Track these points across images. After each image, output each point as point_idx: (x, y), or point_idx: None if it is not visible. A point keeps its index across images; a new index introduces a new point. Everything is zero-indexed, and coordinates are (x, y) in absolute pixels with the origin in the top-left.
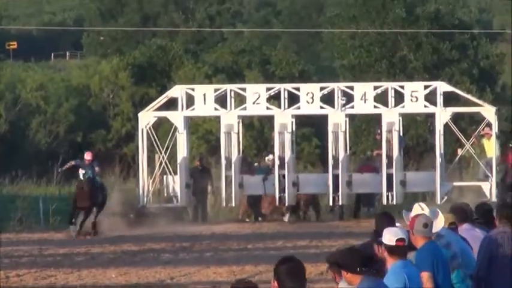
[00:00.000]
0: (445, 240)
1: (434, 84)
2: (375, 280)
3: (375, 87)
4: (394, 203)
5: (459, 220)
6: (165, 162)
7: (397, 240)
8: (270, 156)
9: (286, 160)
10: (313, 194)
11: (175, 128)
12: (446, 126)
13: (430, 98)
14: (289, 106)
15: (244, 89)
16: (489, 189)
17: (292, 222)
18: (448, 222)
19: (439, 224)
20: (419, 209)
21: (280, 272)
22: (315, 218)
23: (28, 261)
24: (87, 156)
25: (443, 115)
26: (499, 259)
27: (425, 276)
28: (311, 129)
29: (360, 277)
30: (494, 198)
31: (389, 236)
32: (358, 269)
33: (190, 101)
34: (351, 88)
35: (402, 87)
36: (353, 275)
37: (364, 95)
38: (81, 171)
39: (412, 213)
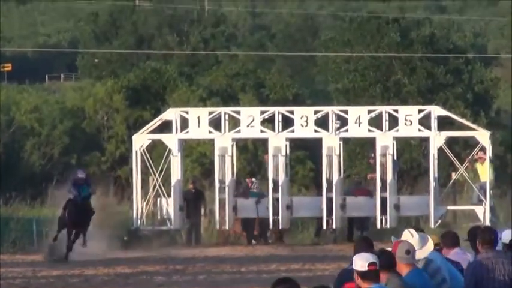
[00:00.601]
0: (436, 265)
1: (428, 108)
2: None
3: (369, 111)
4: (388, 227)
5: (449, 245)
6: (159, 185)
7: (369, 264)
8: (253, 179)
9: (280, 183)
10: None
11: (170, 151)
12: (440, 150)
13: (424, 122)
14: (283, 129)
15: (238, 112)
16: (483, 213)
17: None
18: (434, 243)
19: (429, 249)
20: (408, 234)
21: None
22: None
23: (22, 282)
24: (80, 174)
25: (437, 139)
26: (486, 283)
27: None
28: (305, 153)
29: None
30: (488, 222)
31: (361, 262)
32: None
33: (184, 123)
34: (345, 112)
35: (396, 111)
36: None
37: (358, 119)
38: (74, 192)
39: (402, 238)
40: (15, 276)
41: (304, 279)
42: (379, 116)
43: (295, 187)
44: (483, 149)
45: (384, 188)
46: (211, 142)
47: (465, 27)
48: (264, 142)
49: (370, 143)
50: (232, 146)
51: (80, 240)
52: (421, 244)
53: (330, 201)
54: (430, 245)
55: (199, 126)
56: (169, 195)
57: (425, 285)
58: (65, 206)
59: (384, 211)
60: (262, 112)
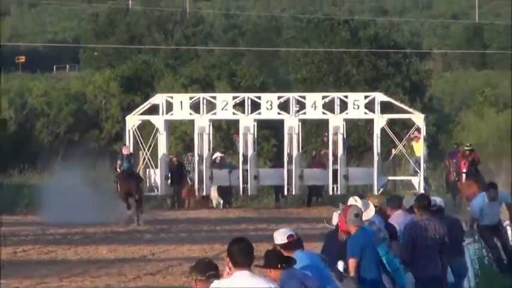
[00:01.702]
0: (376, 226)
1: (373, 94)
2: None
3: (323, 97)
4: (339, 194)
5: (395, 206)
6: (148, 158)
7: (288, 237)
8: (217, 154)
9: (249, 157)
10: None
11: (157, 130)
12: (382, 130)
13: (369, 106)
14: (252, 112)
15: (214, 97)
16: (418, 182)
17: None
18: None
19: (370, 212)
20: (353, 200)
21: (232, 250)
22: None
23: (32, 239)
24: (125, 150)
25: (380, 121)
26: (420, 240)
27: (351, 262)
28: (270, 131)
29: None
30: (422, 190)
31: (281, 236)
32: (278, 265)
33: (169, 107)
34: (303, 97)
35: (346, 97)
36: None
37: (314, 103)
38: (120, 164)
39: (348, 203)
40: (27, 234)
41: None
42: (331, 101)
43: (261, 160)
44: (418, 129)
45: (335, 161)
46: (191, 122)
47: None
48: (235, 123)
49: (324, 124)
50: (209, 125)
51: (136, 216)
52: (364, 208)
53: (290, 172)
54: (371, 209)
55: (181, 109)
56: (156, 167)
57: (369, 240)
58: (116, 179)
59: (335, 180)
60: (234, 97)
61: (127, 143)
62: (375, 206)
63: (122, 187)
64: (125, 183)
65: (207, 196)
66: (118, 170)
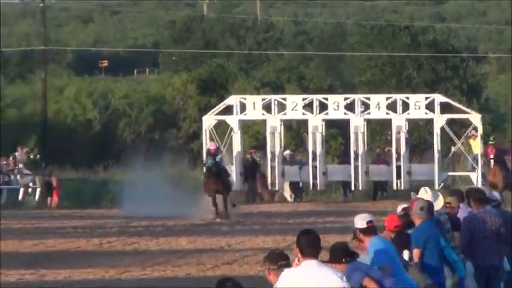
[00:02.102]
0: (444, 217)
1: (432, 96)
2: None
3: (387, 98)
4: (402, 188)
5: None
6: (224, 155)
7: (367, 222)
8: (287, 151)
9: (317, 154)
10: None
11: (231, 129)
12: (442, 129)
13: (430, 107)
14: (320, 112)
15: (285, 99)
16: (476, 178)
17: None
18: (445, 202)
19: (439, 203)
20: (424, 191)
21: (301, 241)
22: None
23: (117, 231)
24: (212, 146)
25: (440, 120)
26: (478, 233)
27: (415, 251)
28: (337, 130)
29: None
30: (479, 185)
31: (361, 221)
32: (343, 259)
33: (243, 107)
34: (368, 99)
35: (408, 98)
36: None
37: (378, 104)
38: (207, 161)
39: (419, 195)
40: (111, 226)
41: (337, 229)
42: (394, 102)
43: (329, 157)
44: (475, 128)
45: (398, 158)
46: (263, 122)
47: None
48: (305, 122)
49: (388, 123)
50: (280, 125)
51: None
52: (433, 199)
53: (356, 168)
54: (440, 200)
55: (254, 109)
56: (231, 164)
57: (433, 232)
58: (205, 175)
59: (398, 176)
60: (304, 99)
61: (203, 141)
62: (447, 203)
63: (209, 187)
64: (213, 182)
65: (279, 191)
66: (205, 167)
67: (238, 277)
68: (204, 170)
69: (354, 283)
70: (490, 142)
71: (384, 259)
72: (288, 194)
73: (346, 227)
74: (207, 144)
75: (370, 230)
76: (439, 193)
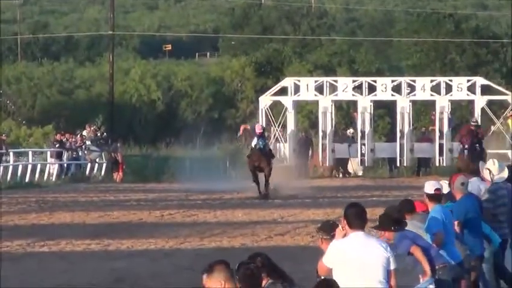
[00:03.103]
0: (502, 192)
1: (474, 79)
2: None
3: (431, 81)
4: (444, 165)
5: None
6: (278, 133)
7: (435, 189)
8: (351, 130)
9: (366, 133)
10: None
11: (286, 109)
12: (482, 109)
13: (471, 89)
14: (368, 93)
15: (336, 81)
16: None
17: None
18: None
19: (504, 175)
20: (491, 162)
21: (348, 214)
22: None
23: (177, 204)
24: (258, 129)
25: (480, 101)
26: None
27: (456, 223)
28: (384, 111)
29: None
30: None
31: (430, 187)
32: (392, 227)
33: (297, 89)
34: (414, 81)
35: (451, 80)
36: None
37: (423, 86)
38: (254, 141)
39: (487, 165)
40: (172, 199)
41: (384, 203)
42: (438, 85)
43: (377, 136)
44: None
45: (441, 137)
46: (316, 103)
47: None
48: (354, 103)
49: (432, 104)
50: (332, 105)
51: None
52: (499, 170)
53: (402, 146)
54: (505, 172)
55: (307, 90)
56: (285, 141)
57: (472, 206)
58: (248, 155)
59: (441, 153)
60: (354, 81)
61: (260, 120)
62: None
63: (252, 162)
64: (256, 159)
65: (329, 167)
66: (252, 146)
67: (290, 247)
68: (251, 149)
69: (402, 250)
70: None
71: (438, 227)
72: (355, 166)
73: (392, 200)
74: (256, 126)
75: (436, 197)
76: (505, 165)
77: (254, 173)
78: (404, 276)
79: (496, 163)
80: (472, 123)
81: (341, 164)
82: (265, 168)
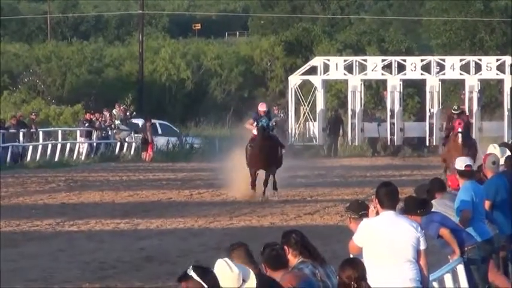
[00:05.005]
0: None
1: (503, 58)
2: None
3: (460, 60)
4: None
5: None
6: (308, 112)
7: (466, 166)
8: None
9: (395, 112)
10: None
11: (315, 88)
12: (511, 88)
13: (500, 68)
14: (398, 72)
15: (365, 60)
16: None
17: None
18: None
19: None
20: (492, 148)
21: (380, 193)
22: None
23: (206, 183)
24: (261, 107)
25: (510, 80)
26: None
27: (486, 202)
28: (414, 90)
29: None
30: None
31: (460, 163)
32: (418, 211)
33: (326, 68)
34: (443, 60)
35: (480, 60)
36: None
37: (452, 65)
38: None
39: (488, 151)
40: (201, 179)
41: (413, 182)
42: (467, 64)
43: (406, 115)
44: None
45: (470, 116)
46: (345, 82)
47: None
48: (384, 82)
49: (461, 83)
50: (361, 84)
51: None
52: (501, 154)
53: (431, 125)
54: (508, 153)
55: (337, 70)
56: (315, 120)
57: (503, 185)
58: (250, 145)
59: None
60: (383, 60)
61: (289, 99)
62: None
63: (252, 162)
64: (256, 159)
65: (359, 146)
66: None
67: (319, 226)
68: (256, 130)
69: (431, 233)
70: (454, 112)
71: (466, 204)
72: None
73: (419, 180)
74: (259, 105)
75: (466, 173)
76: (506, 149)
77: (254, 175)
78: (433, 256)
79: (497, 147)
80: (453, 111)
81: (370, 143)
82: (269, 168)
